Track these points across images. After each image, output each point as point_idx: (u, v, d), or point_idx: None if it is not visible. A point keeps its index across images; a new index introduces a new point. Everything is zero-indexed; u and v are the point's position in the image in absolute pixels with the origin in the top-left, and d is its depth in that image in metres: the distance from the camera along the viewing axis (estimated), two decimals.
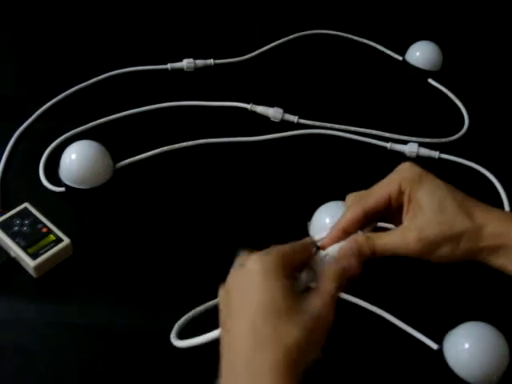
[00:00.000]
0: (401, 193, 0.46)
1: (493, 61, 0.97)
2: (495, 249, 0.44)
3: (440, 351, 0.56)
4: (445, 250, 0.44)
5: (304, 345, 0.39)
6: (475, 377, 0.53)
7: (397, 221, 0.47)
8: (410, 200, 0.45)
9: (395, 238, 0.45)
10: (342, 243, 0.46)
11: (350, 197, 0.49)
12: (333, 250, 0.46)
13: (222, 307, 0.43)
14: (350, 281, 0.45)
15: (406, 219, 0.46)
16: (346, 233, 0.46)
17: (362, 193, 0.48)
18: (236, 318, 0.41)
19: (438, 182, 0.46)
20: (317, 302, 0.41)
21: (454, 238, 0.44)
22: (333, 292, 0.42)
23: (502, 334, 0.54)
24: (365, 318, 0.59)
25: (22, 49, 0.90)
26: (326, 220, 0.63)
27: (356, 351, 0.57)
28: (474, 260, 0.45)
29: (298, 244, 0.45)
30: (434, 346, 0.57)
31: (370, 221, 0.47)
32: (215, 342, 0.53)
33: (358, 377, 0.56)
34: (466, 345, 0.54)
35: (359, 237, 0.46)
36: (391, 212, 0.47)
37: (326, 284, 0.42)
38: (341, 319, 0.59)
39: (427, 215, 0.44)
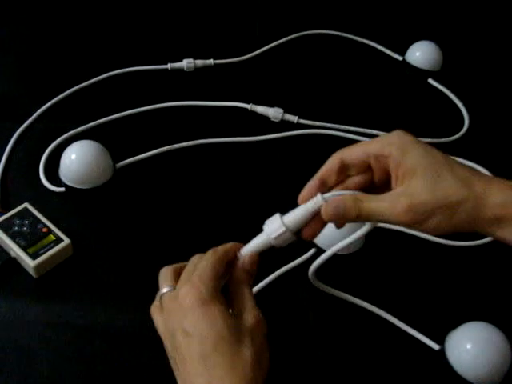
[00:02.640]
0: (383, 156, 0.42)
1: (493, 61, 0.97)
2: (498, 220, 0.40)
3: (442, 352, 0.56)
4: (438, 220, 0.40)
5: (257, 356, 0.40)
6: (477, 377, 0.53)
7: (384, 191, 0.43)
8: (399, 165, 0.41)
9: (384, 204, 0.41)
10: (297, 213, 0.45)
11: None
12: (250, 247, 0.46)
13: (168, 345, 0.43)
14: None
15: (397, 185, 0.42)
16: (322, 183, 0.44)
17: (343, 148, 0.45)
18: (188, 360, 0.41)
19: (433, 148, 0.42)
20: (248, 314, 0.42)
21: (450, 207, 0.40)
22: (247, 292, 0.43)
23: (503, 333, 0.54)
24: (366, 319, 0.59)
25: (22, 49, 0.90)
26: None
27: (357, 352, 0.57)
28: (471, 231, 0.41)
29: (220, 256, 0.45)
30: (436, 346, 0.57)
31: (346, 177, 0.45)
32: None
33: (360, 378, 0.56)
34: (468, 345, 0.54)
35: (347, 196, 0.42)
36: (377, 181, 0.44)
37: (240, 288, 0.44)
38: (342, 320, 0.59)
39: (421, 181, 0.40)
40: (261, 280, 0.61)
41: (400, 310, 0.59)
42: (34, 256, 0.59)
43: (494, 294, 0.63)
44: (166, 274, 0.45)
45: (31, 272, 0.59)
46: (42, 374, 0.53)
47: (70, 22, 0.95)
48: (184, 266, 0.46)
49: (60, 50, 0.89)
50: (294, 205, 0.70)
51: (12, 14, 0.95)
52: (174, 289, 0.44)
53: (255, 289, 0.59)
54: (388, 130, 0.79)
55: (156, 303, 0.45)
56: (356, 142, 0.80)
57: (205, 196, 0.70)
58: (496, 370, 0.53)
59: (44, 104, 0.79)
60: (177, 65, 0.87)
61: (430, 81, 0.91)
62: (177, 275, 0.45)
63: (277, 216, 0.46)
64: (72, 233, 0.62)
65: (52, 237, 0.60)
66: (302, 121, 0.81)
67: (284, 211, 0.69)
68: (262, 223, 0.71)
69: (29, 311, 0.57)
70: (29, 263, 0.58)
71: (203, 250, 0.64)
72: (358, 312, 0.59)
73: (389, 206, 0.41)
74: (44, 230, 0.61)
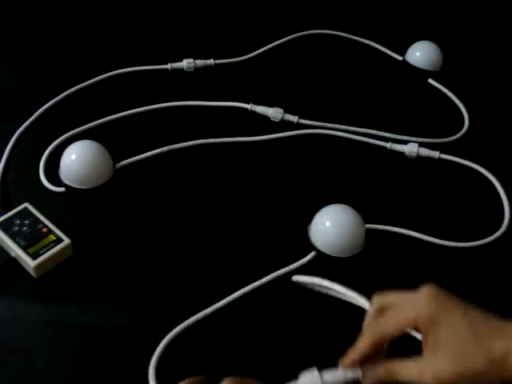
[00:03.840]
0: (417, 327, 0.46)
1: (493, 61, 0.97)
2: None
3: None
4: None
5: None
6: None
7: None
8: (428, 334, 0.46)
9: (414, 372, 0.46)
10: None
11: (369, 312, 0.49)
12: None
13: None
14: None
15: (425, 352, 0.46)
16: (364, 358, 0.48)
17: (380, 320, 0.48)
18: None
19: (456, 317, 0.46)
20: None
21: (474, 376, 0.44)
22: None
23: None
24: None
25: (22, 49, 0.90)
26: (326, 224, 0.63)
27: None
28: None
29: None
30: None
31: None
32: (210, 346, 0.53)
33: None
34: None
35: (380, 368, 0.47)
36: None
37: None
38: (341, 321, 0.59)
39: (444, 354, 0.44)
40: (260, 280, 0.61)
41: None
42: (34, 256, 0.59)
43: (493, 295, 0.63)
44: None
45: (31, 272, 0.59)
46: (42, 374, 0.53)
47: (70, 22, 0.95)
48: None
49: (60, 50, 0.89)
50: (295, 207, 0.70)
51: (12, 14, 0.95)
52: None
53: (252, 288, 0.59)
54: (388, 130, 0.81)
55: None
56: (356, 142, 0.81)
57: (205, 196, 0.70)
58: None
59: (44, 104, 0.79)
60: (177, 65, 0.87)
61: (430, 81, 0.91)
62: None
63: (314, 370, 0.48)
64: (72, 233, 0.62)
65: (52, 237, 0.61)
66: (302, 121, 0.81)
67: (283, 213, 0.70)
68: (262, 225, 0.71)
69: (29, 311, 0.57)
70: (29, 263, 0.58)
71: (202, 250, 0.65)
72: (358, 312, 0.59)
73: (417, 374, 0.45)
74: (44, 230, 0.61)
